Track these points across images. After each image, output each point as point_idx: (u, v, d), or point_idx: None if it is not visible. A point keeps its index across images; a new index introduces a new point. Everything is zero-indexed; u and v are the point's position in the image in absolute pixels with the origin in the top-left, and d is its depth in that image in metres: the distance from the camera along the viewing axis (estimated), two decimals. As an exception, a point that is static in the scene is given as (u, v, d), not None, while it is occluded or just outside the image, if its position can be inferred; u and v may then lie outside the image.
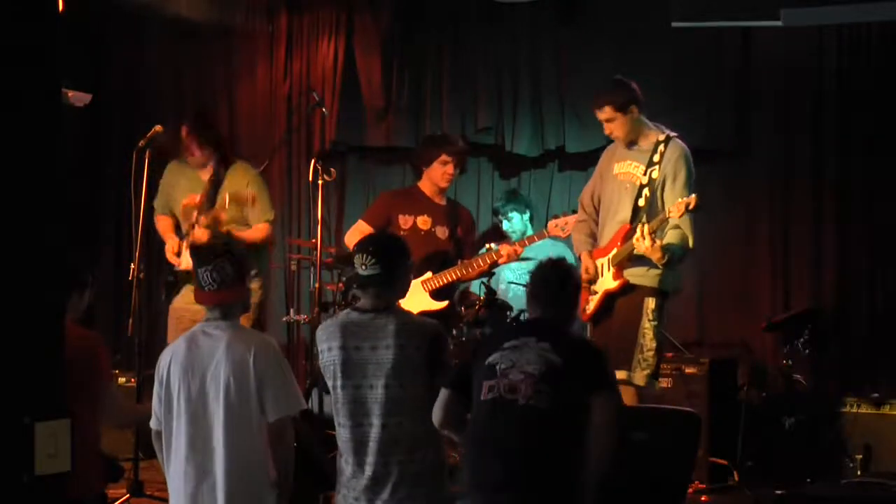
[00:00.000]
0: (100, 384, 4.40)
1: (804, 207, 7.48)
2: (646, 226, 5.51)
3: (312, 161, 6.61)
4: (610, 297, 5.75)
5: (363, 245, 4.22)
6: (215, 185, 6.13)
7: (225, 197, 6.04)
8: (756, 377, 7.05)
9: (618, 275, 5.69)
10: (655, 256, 5.53)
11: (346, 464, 4.14)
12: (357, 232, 6.45)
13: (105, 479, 4.65)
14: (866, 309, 7.30)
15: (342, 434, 4.15)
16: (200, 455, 4.07)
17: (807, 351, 6.64)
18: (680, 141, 5.79)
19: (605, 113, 5.82)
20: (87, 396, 4.33)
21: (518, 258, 6.38)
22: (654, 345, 5.66)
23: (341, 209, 8.38)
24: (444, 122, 8.13)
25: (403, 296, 4.36)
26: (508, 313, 6.70)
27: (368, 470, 4.07)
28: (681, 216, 5.47)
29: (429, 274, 6.30)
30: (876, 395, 6.64)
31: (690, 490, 5.80)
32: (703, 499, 6.06)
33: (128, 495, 5.79)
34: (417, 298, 6.14)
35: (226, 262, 4.16)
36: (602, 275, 5.79)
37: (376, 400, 4.06)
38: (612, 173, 5.90)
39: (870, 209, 7.34)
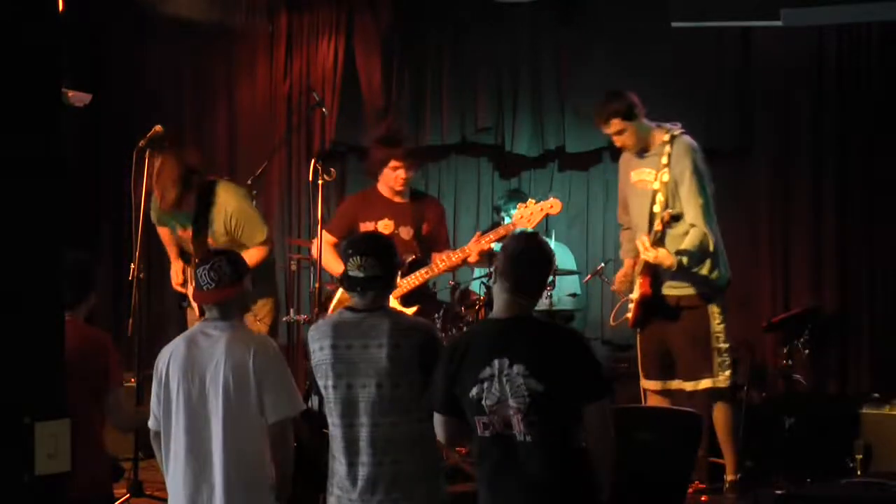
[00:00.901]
0: (108, 384, 4.41)
1: (804, 207, 7.49)
2: (645, 238, 5.56)
3: (312, 161, 6.57)
4: (648, 306, 5.82)
5: (359, 248, 4.16)
6: (201, 216, 6.01)
7: (209, 239, 5.96)
8: (756, 377, 7.05)
9: (644, 283, 5.78)
10: (666, 264, 5.59)
11: (339, 464, 4.10)
12: (324, 245, 6.22)
13: (112, 479, 4.66)
14: (866, 309, 7.31)
15: (335, 434, 4.11)
16: (199, 456, 4.07)
17: (807, 351, 6.64)
18: (686, 136, 5.79)
19: (612, 126, 5.79)
20: (96, 395, 4.33)
21: (489, 250, 6.17)
22: (727, 345, 5.81)
23: (341, 209, 8.38)
24: (443, 122, 8.14)
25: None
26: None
27: (362, 470, 4.03)
28: (663, 229, 5.57)
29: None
30: (876, 395, 6.63)
31: (690, 490, 5.80)
32: (703, 499, 6.05)
33: (128, 495, 5.78)
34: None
35: (223, 260, 4.17)
36: (635, 282, 5.88)
37: (369, 399, 4.03)
38: (631, 182, 5.94)
39: (870, 209, 7.34)
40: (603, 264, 7.49)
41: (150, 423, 4.22)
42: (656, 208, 5.71)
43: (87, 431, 4.21)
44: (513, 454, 3.68)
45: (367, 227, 6.20)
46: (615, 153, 8.07)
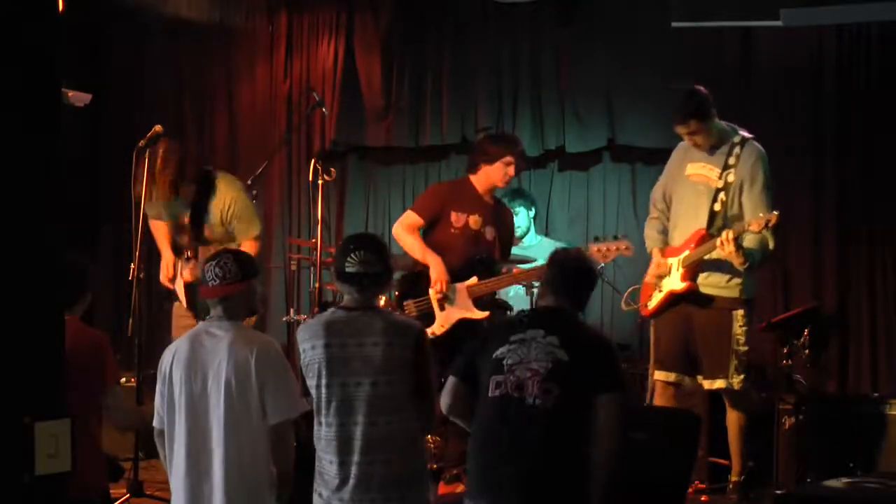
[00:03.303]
0: (105, 383, 4.41)
1: (804, 207, 7.49)
2: (729, 231, 5.53)
3: (312, 161, 6.59)
4: (675, 299, 5.80)
5: (361, 243, 4.18)
6: (200, 205, 6.03)
7: (206, 230, 5.96)
8: (756, 377, 7.04)
9: (686, 276, 5.74)
10: (738, 262, 5.57)
11: (329, 464, 4.07)
12: (406, 224, 6.19)
13: (108, 478, 4.65)
14: (866, 309, 7.31)
15: (325, 434, 4.08)
16: (201, 455, 4.07)
17: (807, 351, 6.63)
18: (756, 143, 5.79)
19: (690, 126, 5.73)
20: (92, 395, 4.33)
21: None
22: (746, 349, 5.77)
23: (341, 209, 8.39)
24: (443, 122, 8.14)
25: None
26: (508, 313, 6.68)
27: (354, 469, 4.01)
28: (760, 231, 5.51)
29: (474, 279, 6.12)
30: (876, 394, 6.63)
31: (690, 490, 5.79)
32: (703, 499, 6.05)
33: (128, 495, 5.77)
34: (461, 304, 6.06)
35: (230, 258, 4.19)
36: (670, 274, 5.82)
37: (363, 398, 4.02)
38: (685, 174, 5.88)
39: (870, 209, 7.34)
40: (603, 264, 7.49)
41: (155, 422, 4.22)
42: (717, 206, 5.71)
43: (84, 431, 4.21)
44: (518, 416, 3.72)
45: (458, 217, 6.14)
46: (615, 153, 8.11)
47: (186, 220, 6.02)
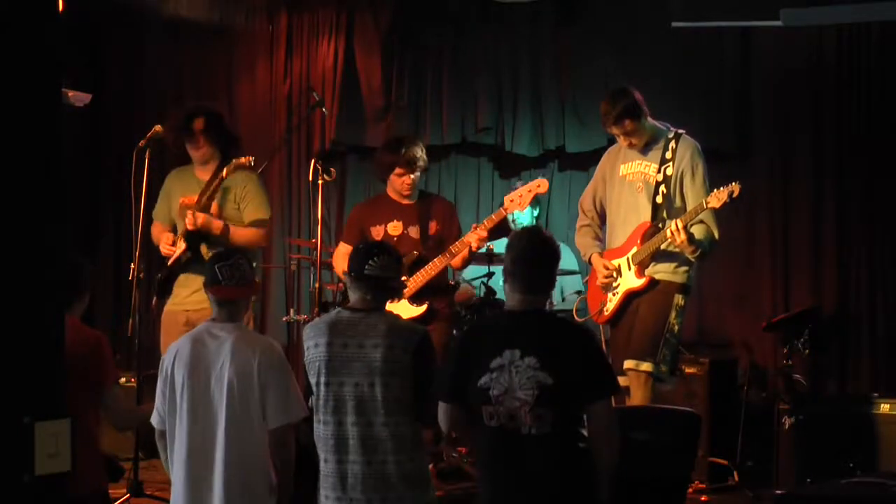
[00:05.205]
0: (104, 383, 4.41)
1: (804, 207, 7.49)
2: (678, 221, 5.47)
3: (312, 161, 6.59)
4: (630, 296, 5.71)
5: (383, 249, 4.24)
6: (214, 182, 6.06)
7: (214, 204, 5.97)
8: (756, 377, 7.05)
9: (640, 273, 5.66)
10: (689, 251, 5.51)
11: (325, 462, 4.09)
12: (341, 255, 6.21)
13: (106, 477, 4.65)
14: (866, 309, 7.31)
15: (323, 432, 4.09)
16: (201, 455, 4.07)
17: (807, 351, 6.64)
18: (689, 137, 5.76)
19: (625, 127, 5.69)
20: (91, 395, 4.34)
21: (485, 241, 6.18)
22: (676, 340, 5.67)
23: (341, 209, 8.39)
24: (444, 122, 8.15)
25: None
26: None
27: (351, 469, 4.03)
28: (722, 206, 5.40)
29: (403, 279, 6.19)
30: (876, 394, 6.64)
31: (690, 490, 5.79)
32: (703, 499, 6.06)
33: (128, 495, 5.78)
34: (397, 307, 6.09)
35: (242, 259, 4.21)
36: (621, 274, 5.74)
37: (361, 399, 4.03)
38: (619, 175, 5.83)
39: (870, 209, 7.34)
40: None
41: (156, 423, 4.22)
42: (658, 199, 5.66)
43: (83, 431, 4.21)
44: (516, 447, 3.69)
45: (377, 231, 6.21)
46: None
47: (193, 199, 6.00)
